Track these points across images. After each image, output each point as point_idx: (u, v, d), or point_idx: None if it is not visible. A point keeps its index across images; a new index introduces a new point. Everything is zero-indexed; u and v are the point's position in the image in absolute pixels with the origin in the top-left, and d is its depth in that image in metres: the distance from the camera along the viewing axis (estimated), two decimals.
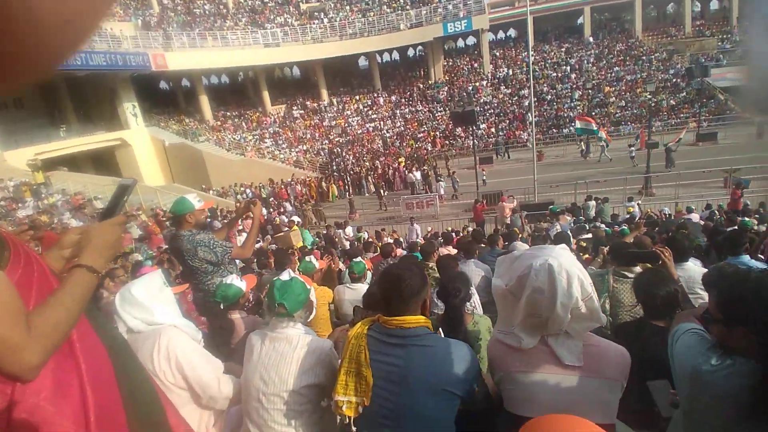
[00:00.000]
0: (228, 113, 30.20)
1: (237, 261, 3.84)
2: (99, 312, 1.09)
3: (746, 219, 6.26)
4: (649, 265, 2.88)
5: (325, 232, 12.70)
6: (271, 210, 16.84)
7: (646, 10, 35.66)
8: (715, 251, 3.97)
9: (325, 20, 31.08)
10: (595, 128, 18.58)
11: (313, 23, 30.62)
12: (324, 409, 1.74)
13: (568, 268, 1.33)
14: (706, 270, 2.65)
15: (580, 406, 1.29)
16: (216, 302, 2.64)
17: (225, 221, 7.81)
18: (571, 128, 25.94)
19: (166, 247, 7.48)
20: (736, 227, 5.09)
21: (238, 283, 2.68)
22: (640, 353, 1.66)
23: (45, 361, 0.80)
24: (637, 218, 8.91)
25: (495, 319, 2.64)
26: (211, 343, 2.28)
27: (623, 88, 28.35)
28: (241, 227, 9.37)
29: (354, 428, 1.44)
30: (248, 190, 20.65)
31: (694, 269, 2.99)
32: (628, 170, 16.79)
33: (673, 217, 10.10)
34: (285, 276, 1.87)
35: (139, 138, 23.07)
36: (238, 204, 15.31)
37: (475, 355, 1.49)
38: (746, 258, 3.25)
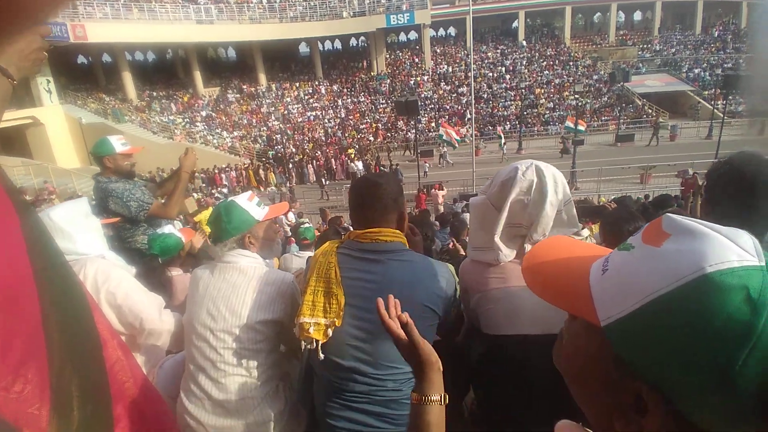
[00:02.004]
0: (155, 93, 27.78)
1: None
2: (21, 193, 0.79)
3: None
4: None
5: None
6: (204, 196, 15.77)
7: (575, 18, 38.53)
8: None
9: (264, 0, 29.70)
10: (453, 137, 19.68)
11: (251, 2, 29.11)
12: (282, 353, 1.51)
13: (553, 170, 1.32)
14: None
15: (564, 316, 1.21)
16: (152, 257, 2.28)
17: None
18: (506, 125, 27.41)
19: None
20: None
21: (177, 233, 2.33)
22: None
23: None
24: None
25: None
26: None
27: (552, 90, 30.35)
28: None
29: (321, 355, 1.23)
30: None
31: None
32: (556, 166, 17.97)
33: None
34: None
35: (53, 116, 20.64)
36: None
37: (454, 275, 1.38)
38: None
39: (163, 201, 2.77)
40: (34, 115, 19.76)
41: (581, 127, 20.41)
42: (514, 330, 1.28)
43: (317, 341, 1.22)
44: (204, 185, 17.64)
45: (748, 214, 1.11)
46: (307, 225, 3.97)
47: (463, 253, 3.56)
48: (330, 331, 1.23)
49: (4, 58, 0.77)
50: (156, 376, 1.61)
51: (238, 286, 1.42)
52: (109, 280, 1.42)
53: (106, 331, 0.84)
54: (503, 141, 22.34)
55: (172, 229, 2.36)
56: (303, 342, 1.28)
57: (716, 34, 35.98)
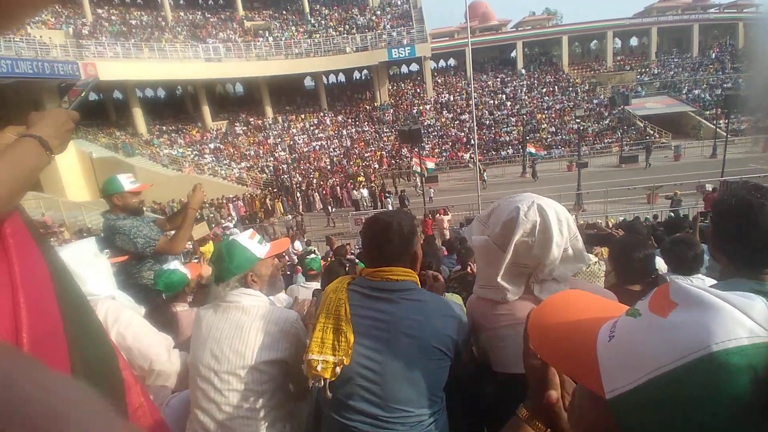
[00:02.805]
0: (164, 128, 28.52)
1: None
2: (45, 238, 0.80)
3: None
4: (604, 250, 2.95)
5: None
6: (213, 225, 15.87)
7: (572, 46, 39.54)
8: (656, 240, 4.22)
9: (270, 39, 30.83)
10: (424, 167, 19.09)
11: (258, 41, 30.23)
12: (289, 392, 1.47)
13: (555, 207, 1.27)
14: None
15: None
16: (157, 293, 2.27)
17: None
18: (509, 150, 27.65)
19: None
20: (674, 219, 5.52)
21: (183, 269, 2.33)
22: None
23: None
24: None
25: (465, 300, 2.54)
26: None
27: (553, 115, 30.74)
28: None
29: (329, 394, 1.19)
30: None
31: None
32: (562, 188, 17.94)
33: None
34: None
35: (64, 151, 21.02)
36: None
37: (465, 314, 1.34)
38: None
39: (169, 237, 2.79)
40: None
41: (540, 152, 22.20)
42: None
43: (325, 380, 1.19)
44: (212, 215, 17.81)
45: (756, 250, 1.10)
46: (313, 256, 3.96)
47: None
48: (338, 370, 1.19)
49: (44, 133, 0.80)
50: (162, 414, 1.57)
51: (242, 326, 1.40)
52: (119, 321, 1.41)
53: (129, 376, 0.82)
54: (481, 169, 22.02)
55: (177, 264, 2.36)
56: (311, 380, 1.25)
57: (714, 55, 36.60)
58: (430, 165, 19.90)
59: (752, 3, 37.98)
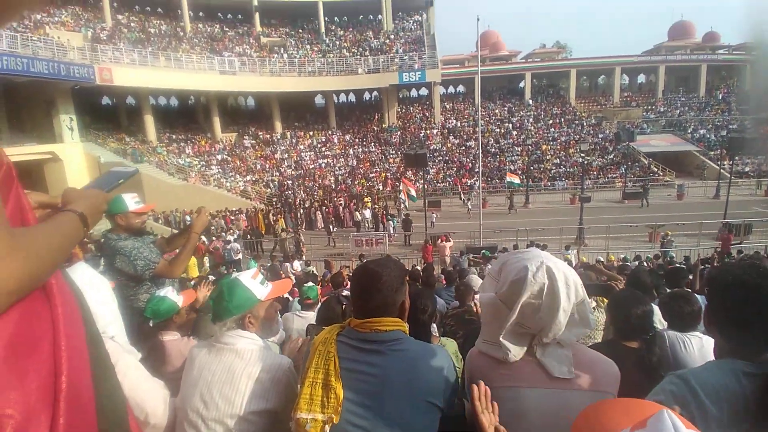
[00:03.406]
0: (174, 136, 28.89)
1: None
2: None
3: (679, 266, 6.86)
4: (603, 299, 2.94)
5: (270, 263, 12.08)
6: (214, 238, 15.85)
7: (580, 80, 40.18)
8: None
9: (285, 56, 31.50)
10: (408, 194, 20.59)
11: (273, 57, 30.89)
12: None
13: (564, 270, 1.25)
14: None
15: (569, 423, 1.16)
16: (145, 319, 2.25)
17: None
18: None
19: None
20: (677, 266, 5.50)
21: (174, 296, 2.31)
22: None
23: (26, 287, 0.57)
24: (573, 265, 9.44)
25: (458, 344, 2.53)
26: None
27: (558, 147, 31.00)
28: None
29: None
30: (187, 217, 19.43)
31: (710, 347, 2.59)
32: (564, 221, 17.95)
33: (605, 263, 10.82)
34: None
35: (73, 153, 21.30)
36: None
37: (455, 358, 1.34)
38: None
39: (169, 260, 2.79)
40: (54, 151, 20.35)
41: (516, 181, 22.90)
42: None
43: None
44: (214, 229, 17.82)
45: (750, 332, 1.09)
46: (310, 284, 3.95)
47: (476, 317, 3.49)
48: (327, 428, 1.18)
49: (84, 210, 0.85)
50: None
51: (234, 371, 1.39)
52: (117, 367, 1.39)
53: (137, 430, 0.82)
54: (467, 199, 23.07)
55: (170, 291, 2.34)
56: None
57: (721, 96, 37.04)
58: (412, 193, 20.40)
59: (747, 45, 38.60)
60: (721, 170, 23.98)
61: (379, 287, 1.26)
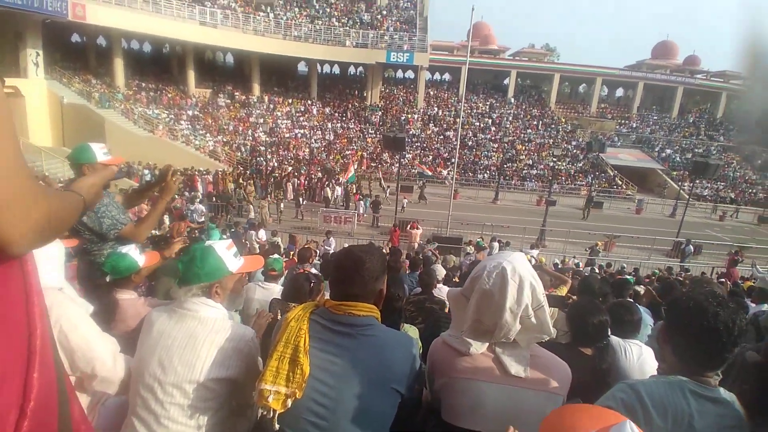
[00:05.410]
0: (144, 84, 27.30)
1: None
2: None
3: (628, 277, 7.28)
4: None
5: (233, 229, 11.82)
6: (176, 196, 15.25)
7: (562, 85, 41.03)
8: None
9: (271, 15, 30.17)
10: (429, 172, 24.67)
11: (258, 15, 29.51)
12: (231, 410, 1.46)
13: (522, 273, 1.30)
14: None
15: (525, 418, 1.24)
16: (102, 274, 2.17)
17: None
18: (486, 174, 28.30)
19: None
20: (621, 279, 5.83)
21: (136, 255, 2.22)
22: None
23: (40, 239, 0.62)
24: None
25: (419, 330, 2.60)
26: None
27: (532, 148, 31.74)
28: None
29: (277, 425, 1.19)
30: (146, 171, 18.50)
31: (649, 357, 2.33)
32: (528, 221, 18.53)
33: (560, 266, 11.31)
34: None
35: (35, 90, 19.85)
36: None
37: (419, 349, 1.39)
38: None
39: (135, 223, 2.68)
40: (17, 86, 18.93)
41: (428, 172, 24.48)
42: (473, 424, 1.29)
43: (274, 411, 1.19)
44: (182, 186, 17.07)
45: (702, 354, 1.19)
46: (276, 256, 3.90)
47: (437, 306, 3.58)
48: (289, 402, 1.19)
49: (86, 195, 0.98)
50: (98, 414, 1.51)
51: (195, 337, 1.37)
52: (64, 318, 1.33)
53: (78, 416, 0.80)
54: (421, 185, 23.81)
55: (132, 249, 2.25)
56: (260, 409, 1.24)
57: (692, 120, 38.86)
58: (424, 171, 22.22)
59: (740, 74, 40.28)
60: (681, 191, 25.36)
61: (362, 273, 1.28)
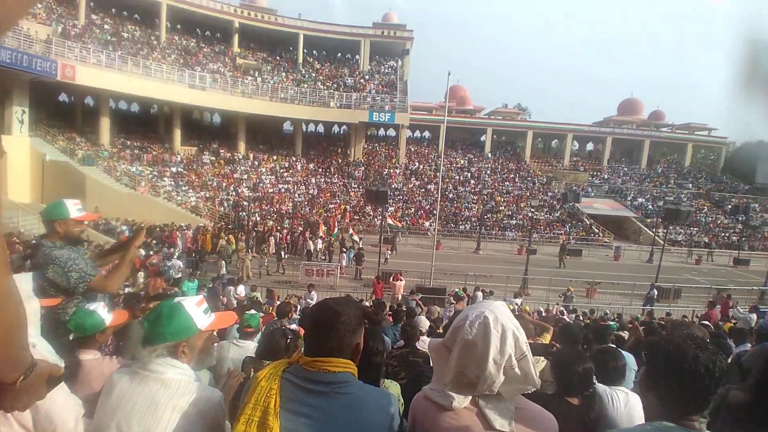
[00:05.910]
0: (129, 142, 27.62)
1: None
2: None
3: (611, 323, 7.30)
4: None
5: (211, 285, 11.51)
6: (152, 252, 14.94)
7: (536, 141, 43.25)
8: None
9: (259, 79, 31.57)
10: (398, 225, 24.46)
11: (246, 78, 30.86)
12: None
13: (504, 323, 1.27)
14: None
15: None
16: (66, 332, 2.09)
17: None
18: (467, 225, 28.76)
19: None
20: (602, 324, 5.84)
21: (103, 313, 2.15)
22: None
23: None
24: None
25: (401, 385, 2.52)
26: None
27: (511, 199, 32.70)
28: None
29: None
30: (124, 227, 18.16)
31: (636, 403, 2.27)
32: (510, 270, 18.62)
33: (544, 314, 11.28)
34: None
35: (18, 147, 19.88)
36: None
37: (398, 409, 1.34)
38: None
39: (104, 276, 2.63)
40: None
41: (397, 224, 24.44)
42: None
43: None
44: (155, 243, 16.73)
45: (685, 397, 1.19)
46: (253, 312, 3.82)
47: (421, 360, 3.50)
48: None
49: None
50: None
51: (157, 402, 1.31)
52: None
53: None
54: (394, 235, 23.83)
55: (100, 307, 2.19)
56: None
57: (660, 170, 40.96)
58: (392, 223, 22.01)
59: (704, 126, 43.28)
60: (656, 237, 26.11)
61: (337, 327, 1.23)
